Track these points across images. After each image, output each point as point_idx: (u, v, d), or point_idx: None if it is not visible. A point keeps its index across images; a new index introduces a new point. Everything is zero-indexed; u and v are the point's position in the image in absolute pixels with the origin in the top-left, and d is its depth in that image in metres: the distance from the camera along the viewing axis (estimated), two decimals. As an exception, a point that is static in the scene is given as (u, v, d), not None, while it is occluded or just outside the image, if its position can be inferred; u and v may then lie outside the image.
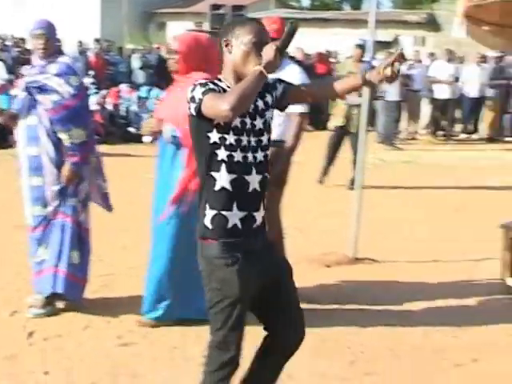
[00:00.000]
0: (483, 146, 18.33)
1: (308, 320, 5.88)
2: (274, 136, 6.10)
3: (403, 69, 18.09)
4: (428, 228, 9.30)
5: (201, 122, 3.50)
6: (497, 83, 18.90)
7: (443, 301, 6.55)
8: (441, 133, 19.09)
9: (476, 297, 6.69)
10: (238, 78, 3.56)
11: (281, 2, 42.11)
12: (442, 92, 18.76)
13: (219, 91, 3.49)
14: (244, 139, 3.55)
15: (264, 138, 3.66)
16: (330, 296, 6.59)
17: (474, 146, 18.25)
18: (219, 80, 3.61)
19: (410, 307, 6.42)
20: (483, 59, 19.22)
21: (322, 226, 9.30)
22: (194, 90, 3.48)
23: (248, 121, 3.58)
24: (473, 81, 19.02)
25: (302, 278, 6.76)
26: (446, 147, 18.04)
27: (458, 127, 19.86)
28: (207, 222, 3.60)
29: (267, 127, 3.70)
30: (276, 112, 3.86)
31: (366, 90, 7.64)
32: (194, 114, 3.49)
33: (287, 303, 3.80)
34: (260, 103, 3.65)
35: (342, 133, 11.91)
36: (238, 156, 3.55)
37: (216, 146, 3.53)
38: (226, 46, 3.59)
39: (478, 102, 19.25)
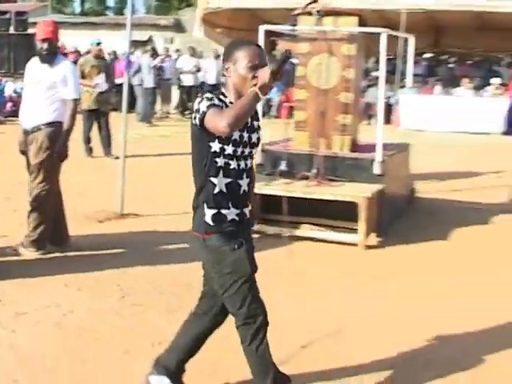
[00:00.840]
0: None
1: (85, 266, 6.18)
2: (53, 118, 6.27)
3: (156, 62, 18.96)
4: (187, 186, 9.67)
5: (203, 132, 3.44)
6: None
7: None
8: (187, 112, 20.08)
9: None
10: (239, 95, 3.46)
11: (56, 9, 43.21)
12: (187, 80, 20.39)
13: (222, 107, 3.40)
14: (239, 150, 3.53)
15: (254, 150, 3.65)
16: (101, 245, 6.75)
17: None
18: (224, 95, 3.52)
19: (165, 251, 6.76)
20: (218, 54, 20.58)
21: (95, 189, 9.49)
22: (200, 102, 3.40)
23: (245, 135, 3.55)
24: (211, 71, 20.55)
25: (80, 231, 7.06)
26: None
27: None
28: (208, 219, 3.55)
29: (258, 142, 3.67)
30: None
31: (125, 79, 8.09)
32: (198, 124, 3.40)
33: None
34: (254, 123, 3.64)
35: (94, 115, 12.45)
36: (233, 164, 3.52)
37: (216, 154, 3.48)
38: (226, 69, 3.50)
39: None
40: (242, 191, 3.59)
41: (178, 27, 31.91)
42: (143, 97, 18.01)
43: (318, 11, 7.13)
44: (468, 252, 6.99)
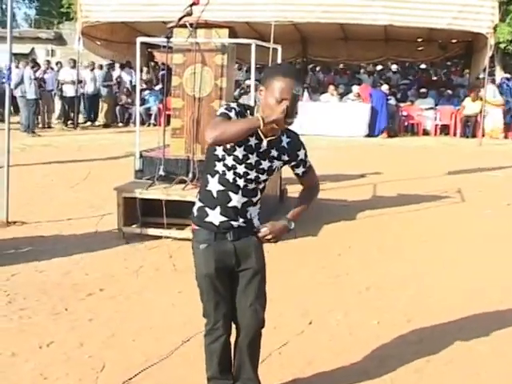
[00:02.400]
0: (101, 130, 19.42)
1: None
2: None
3: (38, 73, 18.54)
4: (70, 194, 9.68)
5: None
6: (108, 84, 20.63)
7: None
8: (70, 122, 19.75)
9: (100, 243, 7.02)
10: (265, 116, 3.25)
11: None
12: (69, 91, 19.83)
13: (235, 116, 3.26)
14: (240, 168, 3.35)
15: (263, 176, 3.43)
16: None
17: (95, 131, 19.16)
18: (250, 111, 3.35)
19: (50, 256, 6.56)
20: (99, 66, 20.73)
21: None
22: (222, 106, 3.34)
23: (253, 157, 3.35)
24: (89, 82, 20.44)
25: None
26: (74, 132, 18.73)
27: (82, 117, 20.60)
28: (194, 209, 3.53)
29: (270, 171, 3.44)
30: None
31: (7, 91, 7.88)
32: None
33: (242, 300, 3.57)
34: (274, 152, 3.41)
35: None
36: (229, 176, 3.37)
37: (217, 157, 3.37)
38: (261, 91, 3.32)
39: (95, 98, 20.54)
40: (231, 204, 3.42)
41: (60, 40, 31.52)
42: (26, 108, 17.47)
43: (191, 24, 7.17)
44: (335, 246, 7.20)
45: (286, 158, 3.47)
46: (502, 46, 23.70)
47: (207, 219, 3.45)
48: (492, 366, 4.35)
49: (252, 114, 3.34)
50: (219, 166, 3.38)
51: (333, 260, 6.72)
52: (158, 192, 7.15)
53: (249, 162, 3.36)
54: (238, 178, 3.40)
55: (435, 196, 9.79)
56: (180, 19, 7.23)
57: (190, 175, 7.33)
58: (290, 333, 4.79)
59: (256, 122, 3.14)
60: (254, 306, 3.57)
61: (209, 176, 3.44)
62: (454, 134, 18.77)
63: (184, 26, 7.22)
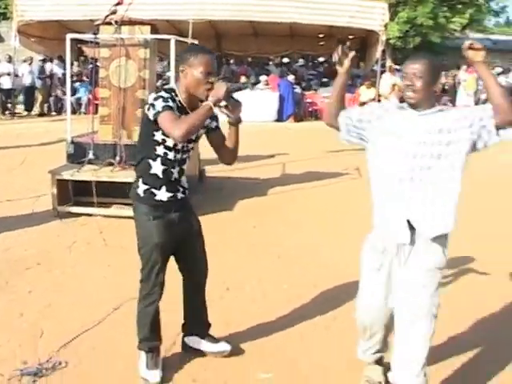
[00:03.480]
0: (37, 119, 18.60)
1: None
2: None
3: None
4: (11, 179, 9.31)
5: (151, 122, 3.28)
6: (43, 76, 20.01)
7: None
8: (7, 112, 19.06)
9: (37, 222, 6.82)
10: (190, 95, 3.37)
11: None
12: (6, 83, 19.12)
13: (176, 108, 3.28)
14: (179, 145, 3.41)
15: (191, 145, 3.52)
16: None
17: (31, 120, 18.36)
18: (175, 93, 3.36)
19: (4, 237, 6.45)
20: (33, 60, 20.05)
21: None
22: (156, 99, 3.24)
23: None
24: (26, 75, 19.64)
25: None
26: (12, 121, 17.91)
27: (20, 107, 19.84)
28: (140, 191, 3.48)
29: (197, 138, 3.56)
30: None
31: None
32: (151, 119, 3.26)
33: (195, 253, 3.76)
34: None
35: None
36: (171, 155, 3.41)
37: (156, 142, 3.37)
38: (182, 71, 3.35)
39: (31, 90, 19.83)
40: (173, 178, 3.48)
41: (-3, 37, 30.47)
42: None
43: (116, 21, 7.07)
44: (250, 219, 7.22)
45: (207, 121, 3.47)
46: (392, 41, 24.18)
47: (156, 198, 3.47)
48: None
49: (176, 94, 3.36)
50: (160, 150, 3.39)
51: (248, 232, 6.74)
52: (88, 174, 7.05)
53: None
54: (177, 154, 3.45)
55: (337, 173, 9.95)
56: (106, 17, 7.11)
57: (118, 158, 7.22)
58: (209, 299, 4.76)
59: (208, 109, 3.20)
60: (203, 255, 3.82)
61: (150, 161, 3.42)
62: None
63: (110, 23, 7.13)
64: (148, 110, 3.29)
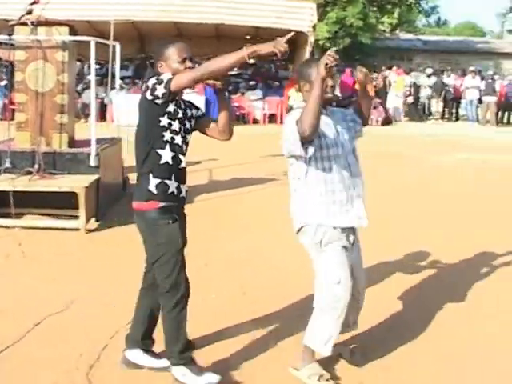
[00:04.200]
0: None
1: None
2: None
3: None
4: None
5: (154, 106, 3.33)
6: None
7: None
8: None
9: None
10: None
11: None
12: None
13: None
14: (183, 126, 3.49)
15: (189, 124, 3.61)
16: None
17: None
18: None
19: None
20: None
21: None
22: (158, 77, 3.35)
23: (189, 111, 3.60)
24: None
25: None
26: None
27: None
28: (152, 187, 3.45)
29: (192, 116, 3.66)
30: None
31: None
32: (164, 91, 3.32)
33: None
34: (188, 111, 3.63)
35: None
36: (177, 139, 3.47)
37: (163, 128, 3.41)
38: (160, 67, 3.46)
39: None
40: (181, 166, 3.53)
41: None
42: None
43: (32, 22, 7.00)
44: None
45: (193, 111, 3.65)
46: (321, 42, 24.65)
47: (169, 191, 3.49)
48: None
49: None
50: (167, 135, 3.45)
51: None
52: (5, 184, 6.94)
53: (188, 115, 3.59)
54: (182, 138, 3.53)
55: (264, 179, 10.10)
56: (21, 17, 7.04)
57: (36, 166, 7.14)
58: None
59: (239, 54, 3.29)
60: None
61: (158, 150, 3.45)
62: (281, 122, 19.32)
63: (25, 23, 7.05)
64: (153, 90, 3.34)
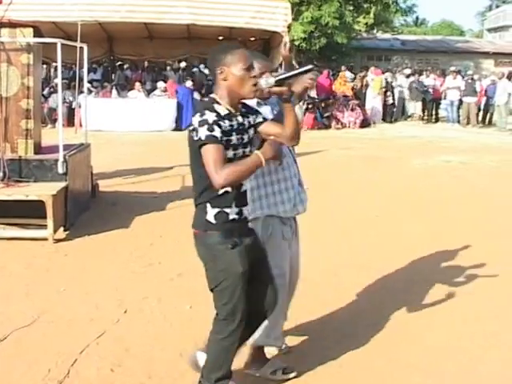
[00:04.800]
0: None
1: None
2: None
3: None
4: None
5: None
6: None
7: None
8: None
9: None
10: (233, 97, 3.31)
11: None
12: None
13: (220, 138, 3.19)
14: (239, 152, 3.32)
15: (248, 148, 3.41)
16: None
17: None
18: (217, 102, 3.31)
19: None
20: None
21: None
22: (201, 124, 3.19)
23: (245, 136, 3.38)
24: None
25: None
26: None
27: None
28: (210, 218, 3.37)
29: (251, 141, 3.45)
30: None
31: None
32: (196, 145, 3.22)
33: (264, 276, 3.60)
34: (246, 120, 3.42)
35: None
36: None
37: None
38: (221, 73, 3.29)
39: None
40: (242, 189, 3.44)
41: None
42: None
43: (-6, 23, 6.93)
44: (147, 236, 7.25)
45: (249, 121, 3.46)
46: (297, 43, 24.75)
47: (230, 218, 3.40)
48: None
49: (219, 104, 3.31)
50: (229, 153, 3.30)
51: (145, 249, 6.75)
52: (-33, 193, 6.84)
53: (243, 142, 3.38)
54: (243, 154, 3.38)
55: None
56: (-17, 19, 6.97)
57: (1, 174, 7.06)
58: (106, 323, 4.79)
59: (258, 164, 3.24)
60: (272, 283, 3.65)
61: None
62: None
63: (-13, 25, 6.98)
64: (192, 132, 3.26)
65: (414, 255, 6.57)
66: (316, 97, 20.84)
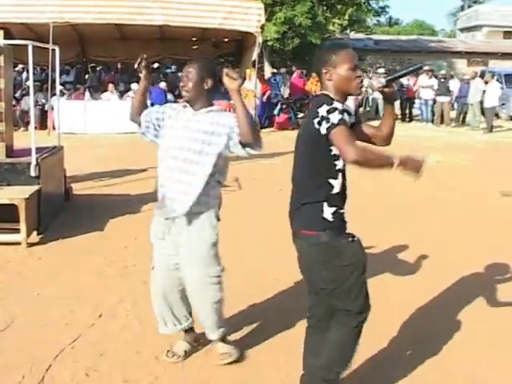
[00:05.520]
0: None
1: None
2: None
3: None
4: None
5: (325, 137, 3.19)
6: None
7: None
8: None
9: None
10: (342, 93, 3.42)
11: None
12: None
13: (348, 122, 3.28)
14: None
15: None
16: None
17: None
18: (331, 98, 3.34)
19: None
20: None
21: None
22: (331, 112, 3.20)
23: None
24: None
25: None
26: None
27: None
28: (328, 216, 3.36)
29: None
30: None
31: None
32: (324, 132, 3.19)
33: None
34: (352, 119, 3.47)
35: None
36: (342, 165, 3.37)
37: (335, 157, 3.30)
38: (326, 73, 3.38)
39: None
40: (346, 192, 3.49)
41: None
42: None
43: (-36, 25, 6.88)
44: (122, 239, 7.22)
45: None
46: (270, 43, 24.78)
47: (344, 218, 3.46)
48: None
49: (333, 99, 3.34)
50: (340, 163, 3.36)
51: (120, 252, 6.73)
52: None
53: None
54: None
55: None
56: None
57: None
58: (81, 327, 4.76)
59: (390, 164, 3.28)
60: None
61: (331, 180, 3.37)
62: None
63: (-44, 27, 6.92)
64: (319, 123, 3.24)
65: (380, 249, 6.63)
66: (290, 97, 20.91)
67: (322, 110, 3.23)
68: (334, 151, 3.29)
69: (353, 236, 3.45)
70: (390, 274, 5.98)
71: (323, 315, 3.67)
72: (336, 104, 3.28)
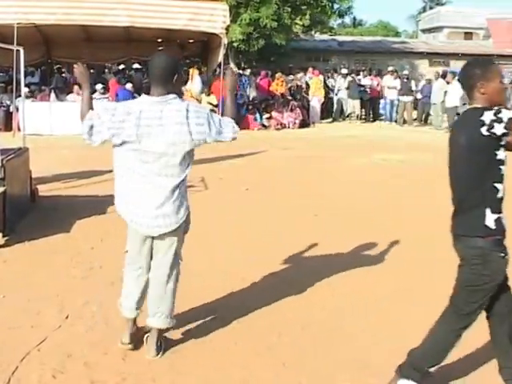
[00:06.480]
0: None
1: None
2: None
3: None
4: None
5: (491, 141, 3.30)
6: None
7: None
8: None
9: None
10: (493, 105, 3.42)
11: None
12: None
13: None
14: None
15: None
16: None
17: None
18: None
19: None
20: None
21: None
22: (499, 113, 3.30)
23: None
24: None
25: None
26: None
27: None
28: (490, 223, 3.44)
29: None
30: None
31: None
32: (501, 132, 3.29)
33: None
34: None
35: None
36: (503, 171, 3.47)
37: (501, 162, 3.41)
38: (482, 87, 3.49)
39: None
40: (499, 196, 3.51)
41: None
42: None
43: None
44: (88, 240, 7.16)
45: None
46: (235, 44, 24.78)
47: (505, 225, 3.51)
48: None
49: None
50: (504, 168, 3.46)
51: (86, 254, 6.67)
52: None
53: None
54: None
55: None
56: None
57: None
58: (47, 329, 4.71)
59: None
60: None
61: (496, 184, 3.46)
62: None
63: None
64: (490, 127, 3.32)
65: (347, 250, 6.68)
66: (256, 97, 20.93)
67: (488, 116, 3.34)
68: (500, 156, 3.42)
69: (506, 253, 3.51)
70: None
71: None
72: (495, 108, 3.39)
